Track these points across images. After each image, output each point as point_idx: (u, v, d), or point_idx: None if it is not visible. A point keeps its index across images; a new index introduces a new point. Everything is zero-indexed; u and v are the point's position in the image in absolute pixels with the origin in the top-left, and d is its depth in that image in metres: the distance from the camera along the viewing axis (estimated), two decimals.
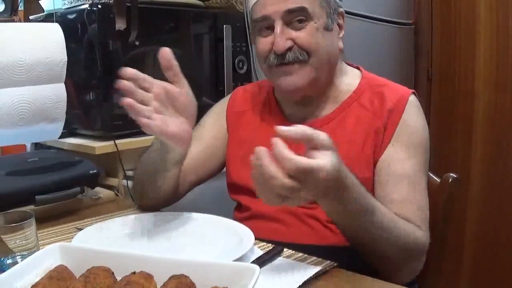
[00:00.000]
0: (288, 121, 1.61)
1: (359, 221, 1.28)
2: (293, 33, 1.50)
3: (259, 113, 1.70)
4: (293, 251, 1.32)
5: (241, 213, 1.65)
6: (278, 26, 1.49)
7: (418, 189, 1.46)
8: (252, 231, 1.35)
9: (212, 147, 1.72)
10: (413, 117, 1.52)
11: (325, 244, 1.48)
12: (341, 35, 1.59)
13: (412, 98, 1.55)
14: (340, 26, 1.59)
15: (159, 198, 1.61)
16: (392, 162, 1.47)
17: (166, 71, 1.36)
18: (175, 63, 1.36)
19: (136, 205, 1.72)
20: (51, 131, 1.66)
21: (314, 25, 1.50)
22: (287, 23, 1.50)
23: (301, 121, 1.57)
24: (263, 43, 1.55)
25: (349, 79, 1.63)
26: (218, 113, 1.77)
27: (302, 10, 1.48)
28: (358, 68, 1.68)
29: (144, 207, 1.67)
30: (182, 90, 1.39)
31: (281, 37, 1.49)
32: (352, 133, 1.53)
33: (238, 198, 1.68)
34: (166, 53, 1.35)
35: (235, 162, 1.68)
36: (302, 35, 1.49)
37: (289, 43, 1.49)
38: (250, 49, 2.43)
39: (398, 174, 1.46)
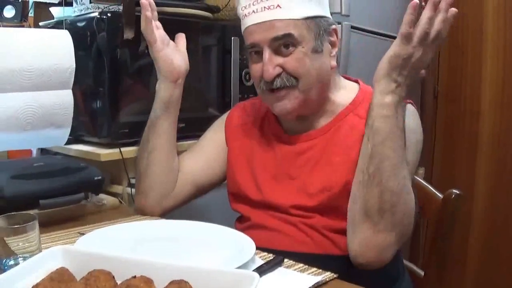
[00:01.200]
0: (286, 134, 1.67)
1: (395, 143, 1.36)
2: (281, 60, 1.52)
3: (258, 125, 1.74)
4: (294, 262, 1.32)
5: (241, 224, 1.68)
6: (266, 54, 1.52)
7: None
8: (252, 240, 1.36)
9: (212, 156, 1.77)
10: (406, 118, 1.50)
11: (323, 253, 1.50)
12: (333, 53, 1.59)
13: (408, 106, 1.53)
14: (332, 44, 1.59)
15: (154, 175, 1.69)
16: None
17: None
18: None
19: (136, 207, 1.76)
20: (57, 137, 1.67)
21: (302, 50, 1.51)
22: (275, 50, 1.52)
23: (299, 133, 1.64)
24: (254, 69, 1.58)
25: (347, 93, 1.64)
26: (217, 127, 1.82)
27: (288, 37, 1.50)
28: (356, 81, 1.69)
29: (143, 202, 1.72)
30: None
31: (269, 65, 1.51)
32: (347, 141, 1.55)
33: (238, 207, 1.71)
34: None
35: (235, 172, 1.71)
36: (289, 61, 1.51)
37: (277, 70, 1.52)
38: None
39: None
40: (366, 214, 1.37)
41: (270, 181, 1.63)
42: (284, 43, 1.50)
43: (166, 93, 1.69)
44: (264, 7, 1.50)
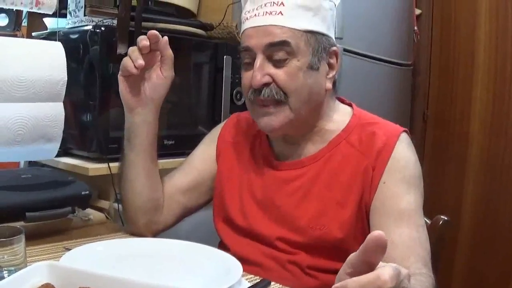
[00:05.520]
0: (277, 159, 1.61)
1: None
2: (273, 70, 1.45)
3: (249, 145, 1.68)
4: (281, 285, 1.31)
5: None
6: (258, 60, 1.45)
7: (417, 226, 1.40)
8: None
9: (202, 173, 1.71)
10: (403, 152, 1.47)
11: None
12: (330, 75, 1.53)
13: (403, 136, 1.51)
14: (331, 66, 1.53)
15: (140, 198, 1.62)
16: (387, 200, 1.42)
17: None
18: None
19: (126, 228, 1.73)
20: (47, 150, 1.66)
21: (297, 63, 1.45)
22: (269, 58, 1.46)
23: (289, 158, 1.58)
24: (246, 77, 1.52)
25: (339, 117, 1.58)
26: (209, 140, 1.76)
27: (284, 45, 1.43)
28: (350, 105, 1.64)
29: (131, 228, 1.68)
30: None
31: (259, 72, 1.45)
32: (339, 173, 1.49)
33: (221, 230, 1.66)
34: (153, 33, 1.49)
35: (224, 194, 1.66)
36: (281, 74, 1.45)
37: (266, 79, 1.45)
38: None
39: (395, 212, 1.40)
40: None
41: (256, 208, 1.58)
42: (278, 51, 1.44)
43: (126, 120, 1.60)
44: (266, 12, 1.45)
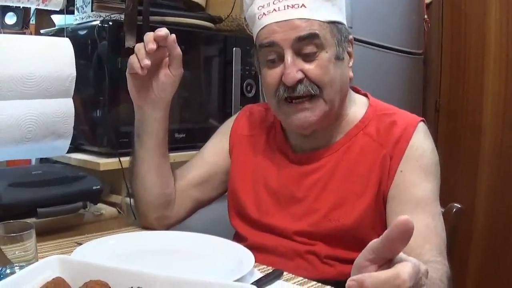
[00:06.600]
0: (293, 151, 1.60)
1: None
2: (304, 65, 1.42)
3: (264, 138, 1.67)
4: (293, 275, 1.31)
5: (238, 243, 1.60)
6: (289, 56, 1.41)
7: (434, 214, 1.40)
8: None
9: (214, 166, 1.70)
10: (421, 141, 1.47)
11: (323, 278, 1.40)
12: (350, 63, 1.53)
13: (420, 125, 1.50)
14: (350, 54, 1.53)
15: (150, 194, 1.62)
16: (404, 188, 1.42)
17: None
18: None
19: (138, 223, 1.72)
20: (58, 147, 1.66)
21: (326, 55, 1.43)
22: (297, 53, 1.42)
23: (306, 151, 1.57)
24: (271, 76, 1.48)
25: (356, 107, 1.57)
26: (222, 134, 1.75)
27: (313, 37, 1.41)
28: (365, 95, 1.63)
29: (143, 223, 1.68)
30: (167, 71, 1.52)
31: (293, 68, 1.41)
32: (357, 164, 1.49)
33: (237, 225, 1.65)
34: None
35: (237, 188, 1.65)
36: (313, 68, 1.42)
37: (299, 75, 1.42)
38: (259, 73, 2.44)
39: (411, 200, 1.40)
40: None
41: (272, 201, 1.57)
42: (308, 44, 1.41)
43: (136, 117, 1.59)
44: (288, 6, 1.42)
